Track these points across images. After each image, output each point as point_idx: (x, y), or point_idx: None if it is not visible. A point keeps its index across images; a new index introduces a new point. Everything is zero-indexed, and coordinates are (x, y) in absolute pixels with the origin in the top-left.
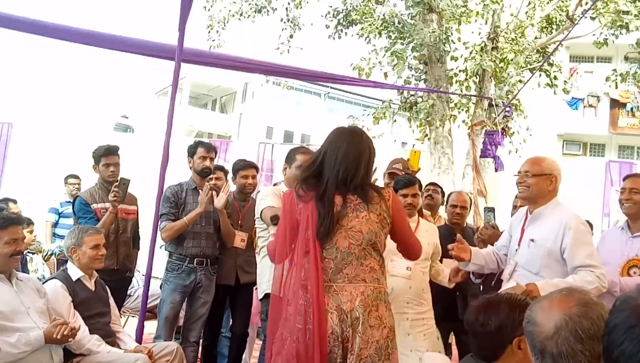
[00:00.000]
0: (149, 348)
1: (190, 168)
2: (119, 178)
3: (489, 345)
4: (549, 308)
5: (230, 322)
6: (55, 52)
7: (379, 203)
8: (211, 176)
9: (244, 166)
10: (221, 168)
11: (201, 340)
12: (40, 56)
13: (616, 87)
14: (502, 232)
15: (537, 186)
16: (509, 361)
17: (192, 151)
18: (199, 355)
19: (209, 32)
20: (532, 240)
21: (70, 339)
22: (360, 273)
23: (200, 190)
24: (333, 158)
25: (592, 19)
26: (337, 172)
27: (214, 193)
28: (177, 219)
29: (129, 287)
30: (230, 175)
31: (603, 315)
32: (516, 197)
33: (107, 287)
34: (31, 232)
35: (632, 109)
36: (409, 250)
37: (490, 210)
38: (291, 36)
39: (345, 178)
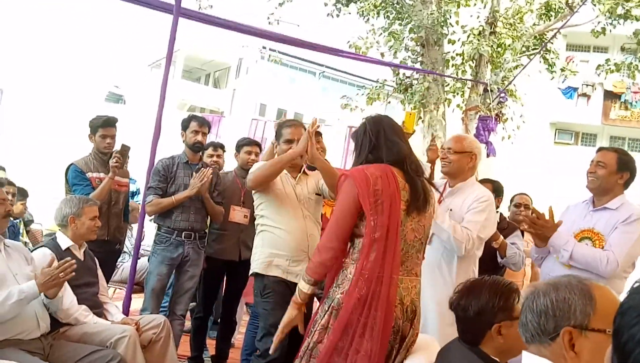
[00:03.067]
0: (136, 321)
1: (183, 141)
2: (121, 144)
3: (469, 329)
4: (535, 283)
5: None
6: (48, 19)
7: (433, 196)
8: (212, 153)
9: (248, 143)
10: (222, 146)
11: (195, 312)
12: (33, 22)
13: (605, 77)
14: None
15: (458, 163)
16: (490, 346)
17: (185, 125)
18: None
19: None
20: (451, 210)
21: (61, 276)
22: (415, 266)
23: (191, 164)
24: (401, 143)
25: (594, 5)
26: (411, 159)
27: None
28: (165, 193)
29: (119, 259)
30: (233, 151)
31: (568, 298)
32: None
33: (95, 258)
34: (24, 204)
35: (625, 101)
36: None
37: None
38: (281, 4)
39: (417, 168)
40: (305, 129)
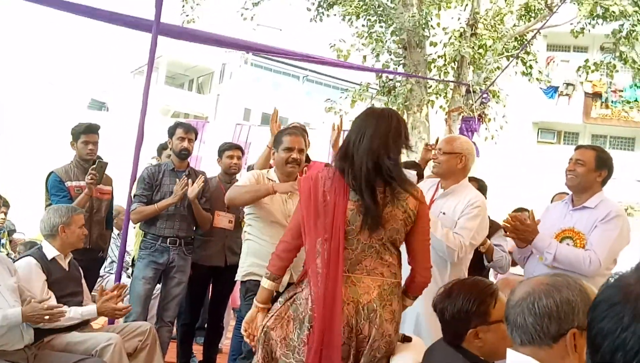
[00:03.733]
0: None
1: (170, 148)
2: (96, 160)
3: (449, 331)
4: (527, 282)
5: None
6: (32, 27)
7: (407, 199)
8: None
9: (229, 147)
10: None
11: (181, 319)
12: (15, 30)
13: (586, 77)
14: None
15: (447, 164)
16: (471, 347)
17: (171, 132)
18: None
19: (183, 6)
20: (444, 213)
21: (46, 318)
22: (379, 266)
23: (178, 172)
24: (365, 143)
25: (574, 3)
26: (370, 159)
27: (190, 181)
28: (150, 202)
29: (102, 267)
30: (215, 156)
31: (572, 300)
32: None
33: (80, 267)
34: (5, 214)
35: (606, 99)
36: (419, 266)
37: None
38: (255, 4)
39: (380, 166)
40: (305, 137)
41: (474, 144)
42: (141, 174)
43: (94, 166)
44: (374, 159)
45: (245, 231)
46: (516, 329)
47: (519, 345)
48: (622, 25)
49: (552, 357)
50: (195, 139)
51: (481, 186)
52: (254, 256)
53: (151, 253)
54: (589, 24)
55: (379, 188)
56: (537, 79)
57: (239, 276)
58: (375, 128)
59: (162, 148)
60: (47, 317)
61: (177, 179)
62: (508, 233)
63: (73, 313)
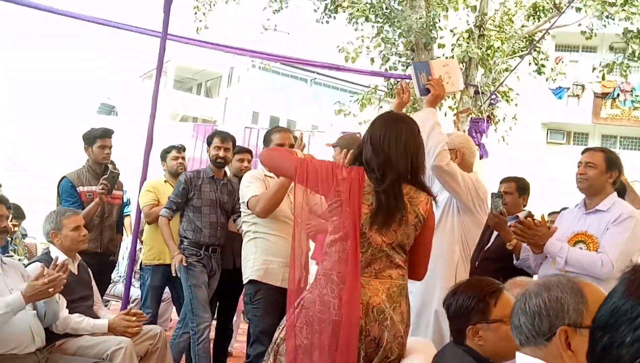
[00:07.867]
0: (131, 311)
1: (209, 156)
2: (109, 170)
3: (451, 327)
4: (527, 284)
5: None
6: (41, 32)
7: (419, 204)
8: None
9: (239, 151)
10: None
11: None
12: (26, 34)
13: (603, 78)
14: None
15: None
16: (473, 345)
17: (209, 141)
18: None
19: (195, 13)
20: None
21: (50, 291)
22: (387, 269)
23: (216, 179)
24: (401, 148)
25: (578, 9)
26: (404, 163)
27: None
28: (180, 208)
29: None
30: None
31: (560, 297)
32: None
33: (89, 270)
34: (18, 225)
35: (617, 96)
36: (417, 267)
37: (497, 196)
38: (276, 11)
39: (410, 171)
40: (292, 135)
41: (483, 145)
42: (179, 179)
43: (106, 176)
44: (407, 164)
45: (248, 231)
46: (514, 330)
47: (521, 346)
48: (633, 23)
49: (549, 355)
50: (234, 147)
51: (521, 186)
52: (266, 254)
53: (199, 259)
54: (601, 21)
55: (404, 190)
56: (552, 78)
57: (252, 276)
58: (409, 135)
59: (165, 152)
60: (50, 290)
61: (217, 187)
62: (518, 237)
63: (85, 324)
